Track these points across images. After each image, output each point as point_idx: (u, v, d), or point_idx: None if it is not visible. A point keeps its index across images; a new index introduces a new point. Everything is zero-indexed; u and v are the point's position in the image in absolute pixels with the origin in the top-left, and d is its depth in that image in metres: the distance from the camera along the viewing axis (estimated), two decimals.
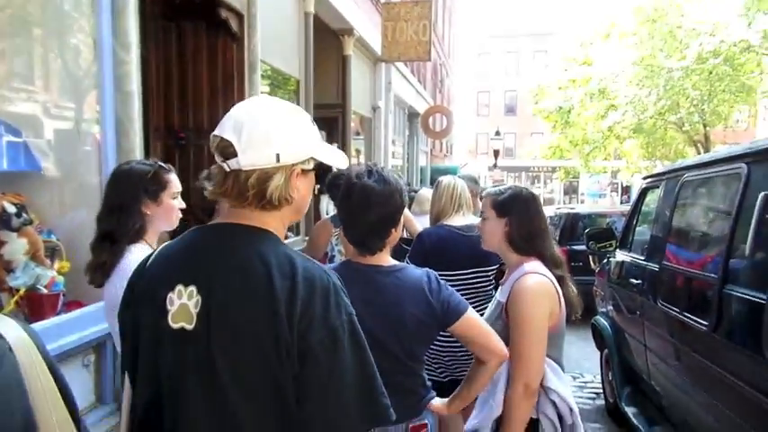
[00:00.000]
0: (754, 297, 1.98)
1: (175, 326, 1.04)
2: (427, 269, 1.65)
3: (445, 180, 2.87)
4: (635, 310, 3.44)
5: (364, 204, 1.52)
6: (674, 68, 12.18)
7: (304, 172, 1.12)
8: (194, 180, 2.48)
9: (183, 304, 1.04)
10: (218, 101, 4.54)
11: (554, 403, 1.74)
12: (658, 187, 3.50)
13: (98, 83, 2.94)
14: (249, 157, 1.04)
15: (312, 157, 1.13)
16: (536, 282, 1.76)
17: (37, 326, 2.49)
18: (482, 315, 2.68)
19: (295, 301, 0.99)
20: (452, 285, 2.69)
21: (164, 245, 1.19)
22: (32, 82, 2.95)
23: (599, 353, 4.48)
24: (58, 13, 2.98)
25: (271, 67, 5.55)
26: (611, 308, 4.14)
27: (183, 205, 1.91)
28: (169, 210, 1.85)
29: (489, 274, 2.76)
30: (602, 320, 4.28)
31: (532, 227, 1.87)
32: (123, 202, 1.78)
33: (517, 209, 1.87)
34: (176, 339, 1.03)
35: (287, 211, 1.13)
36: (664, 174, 3.56)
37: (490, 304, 2.11)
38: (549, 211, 11.68)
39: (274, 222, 1.13)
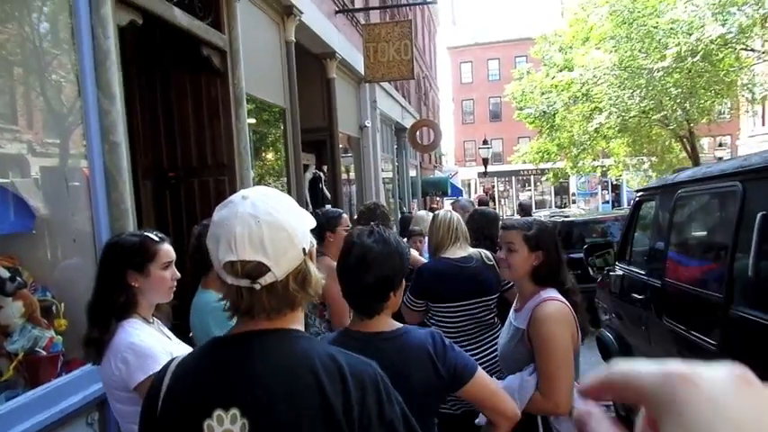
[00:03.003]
0: (761, 319, 1.98)
1: None
2: (431, 329, 1.60)
3: (441, 213, 2.93)
4: (640, 325, 3.44)
5: (361, 264, 1.46)
6: (655, 68, 12.32)
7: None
8: (187, 221, 2.41)
9: (227, 430, 0.94)
10: (205, 138, 4.50)
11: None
12: (653, 200, 3.51)
13: (85, 134, 2.92)
14: (283, 267, 0.96)
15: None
16: (557, 308, 1.85)
17: (38, 390, 2.45)
18: (485, 344, 2.70)
19: (351, 407, 0.95)
20: (454, 317, 2.71)
21: (178, 362, 1.07)
22: (16, 122, 2.91)
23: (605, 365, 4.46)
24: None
25: (255, 99, 5.54)
26: (615, 320, 4.13)
27: (178, 275, 1.84)
28: (159, 281, 1.77)
29: (490, 303, 2.76)
30: (607, 333, 4.26)
31: (559, 259, 1.97)
32: (108, 277, 1.75)
33: (546, 243, 1.95)
34: None
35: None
36: (658, 188, 3.57)
37: (503, 332, 2.13)
38: (542, 216, 11.68)
39: (299, 314, 1.05)
